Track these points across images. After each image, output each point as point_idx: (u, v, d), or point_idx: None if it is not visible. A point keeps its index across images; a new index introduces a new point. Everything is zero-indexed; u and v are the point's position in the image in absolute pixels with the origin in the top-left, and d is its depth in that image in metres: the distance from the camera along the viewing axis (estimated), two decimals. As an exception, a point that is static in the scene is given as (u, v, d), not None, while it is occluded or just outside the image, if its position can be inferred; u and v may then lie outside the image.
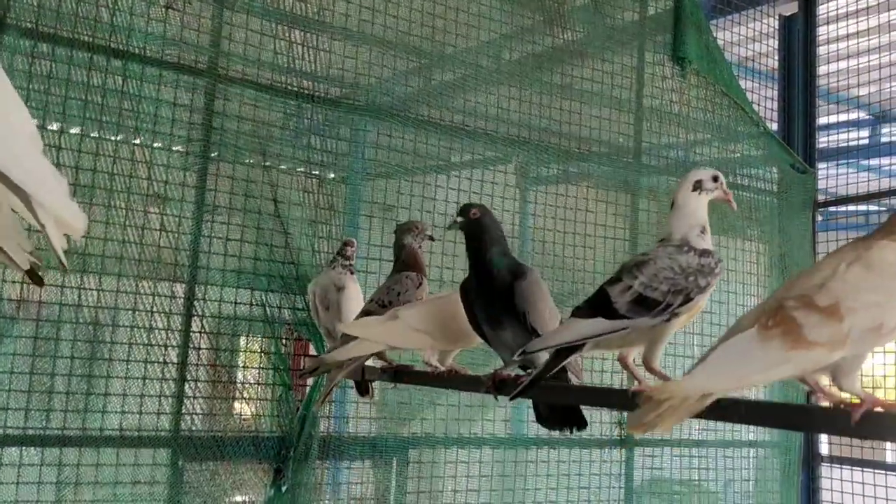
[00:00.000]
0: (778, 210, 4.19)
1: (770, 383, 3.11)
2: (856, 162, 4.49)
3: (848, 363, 1.24)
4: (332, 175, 3.24)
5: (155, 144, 2.83)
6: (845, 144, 4.51)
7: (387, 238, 3.15)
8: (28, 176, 1.13)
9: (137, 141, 2.78)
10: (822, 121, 4.43)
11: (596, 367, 3.50)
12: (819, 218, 4.31)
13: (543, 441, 3.53)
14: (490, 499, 3.46)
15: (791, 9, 4.40)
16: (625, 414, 3.39)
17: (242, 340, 3.23)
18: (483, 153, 3.57)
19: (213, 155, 2.92)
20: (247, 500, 3.07)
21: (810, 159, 4.29)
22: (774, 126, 4.36)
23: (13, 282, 2.57)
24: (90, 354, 2.75)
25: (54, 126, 2.66)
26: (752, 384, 1.28)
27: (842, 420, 1.19)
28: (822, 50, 4.32)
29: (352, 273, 2.79)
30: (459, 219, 2.01)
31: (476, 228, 1.99)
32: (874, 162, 4.55)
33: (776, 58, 4.44)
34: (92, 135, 2.71)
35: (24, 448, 2.64)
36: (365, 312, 2.46)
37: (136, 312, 2.76)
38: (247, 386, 3.11)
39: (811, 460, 4.15)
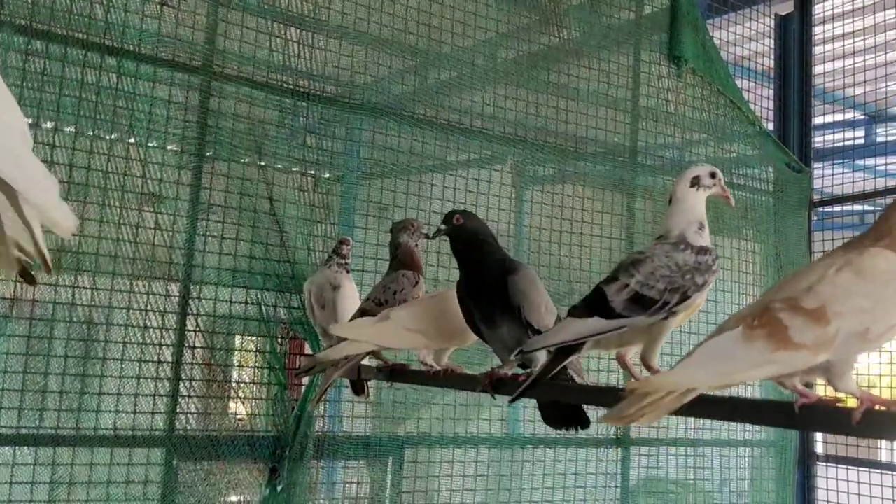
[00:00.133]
0: (774, 209, 4.19)
1: (765, 382, 3.11)
2: (851, 162, 4.50)
3: (839, 365, 1.25)
4: (328, 174, 3.22)
5: (150, 142, 2.81)
6: (840, 144, 4.52)
7: (382, 237, 3.14)
8: (18, 173, 1.11)
9: (132, 140, 2.77)
10: (817, 120, 4.44)
11: (593, 367, 3.50)
12: (814, 218, 4.31)
13: (539, 440, 3.52)
14: (486, 498, 3.45)
15: (787, 8, 4.41)
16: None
17: (238, 339, 3.21)
18: (479, 152, 3.57)
19: (208, 154, 2.91)
20: (242, 499, 3.06)
21: (806, 159, 4.30)
22: (770, 125, 4.36)
23: (6, 280, 2.55)
24: (84, 353, 2.73)
25: (48, 124, 2.65)
26: (735, 382, 1.29)
27: (842, 419, 1.19)
28: (817, 49, 4.33)
29: (347, 272, 2.78)
30: (443, 226, 2.02)
31: (462, 233, 2.00)
32: (869, 162, 4.56)
33: (772, 57, 4.44)
34: (86, 134, 2.69)
35: (17, 447, 2.63)
36: (361, 311, 2.45)
37: (131, 311, 2.75)
38: (242, 385, 3.10)
39: (807, 459, 4.16)
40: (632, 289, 1.51)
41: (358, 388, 2.68)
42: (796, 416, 1.27)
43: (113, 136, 2.74)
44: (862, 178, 4.24)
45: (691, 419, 3.66)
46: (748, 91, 4.28)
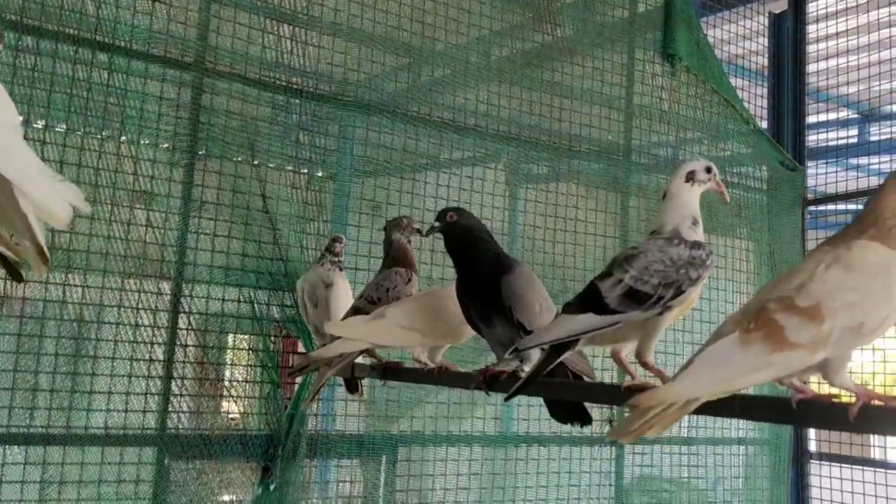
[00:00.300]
0: (767, 208, 4.20)
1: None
2: (844, 160, 4.50)
3: (835, 362, 1.24)
4: (321, 172, 3.21)
5: (141, 139, 2.79)
6: (834, 143, 4.53)
7: (375, 235, 3.13)
8: (10, 164, 1.11)
9: (123, 138, 2.75)
10: (811, 119, 4.44)
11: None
12: (807, 216, 4.32)
13: (533, 439, 3.52)
14: (480, 497, 3.44)
15: (781, 6, 4.41)
16: (615, 411, 3.39)
17: (230, 338, 3.20)
18: (472, 150, 3.56)
19: (200, 151, 2.89)
20: (234, 499, 3.04)
21: (800, 157, 4.31)
22: (764, 124, 4.37)
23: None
24: (75, 351, 2.71)
25: (39, 121, 2.63)
26: (737, 388, 1.28)
27: (839, 414, 1.19)
28: (811, 48, 4.34)
29: (340, 269, 2.77)
30: (437, 224, 2.01)
31: (455, 230, 1.99)
32: (862, 160, 4.57)
33: (766, 55, 4.44)
34: (77, 131, 2.67)
35: (7, 446, 2.61)
36: (354, 309, 2.44)
37: (122, 309, 2.73)
38: (234, 384, 3.09)
39: (800, 457, 4.17)
40: (626, 284, 1.50)
41: (352, 387, 2.67)
42: (793, 412, 1.27)
43: (104, 133, 2.72)
44: (855, 177, 4.25)
45: (685, 417, 3.65)
46: (742, 89, 4.28)
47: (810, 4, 4.34)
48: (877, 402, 1.18)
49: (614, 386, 1.67)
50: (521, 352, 1.69)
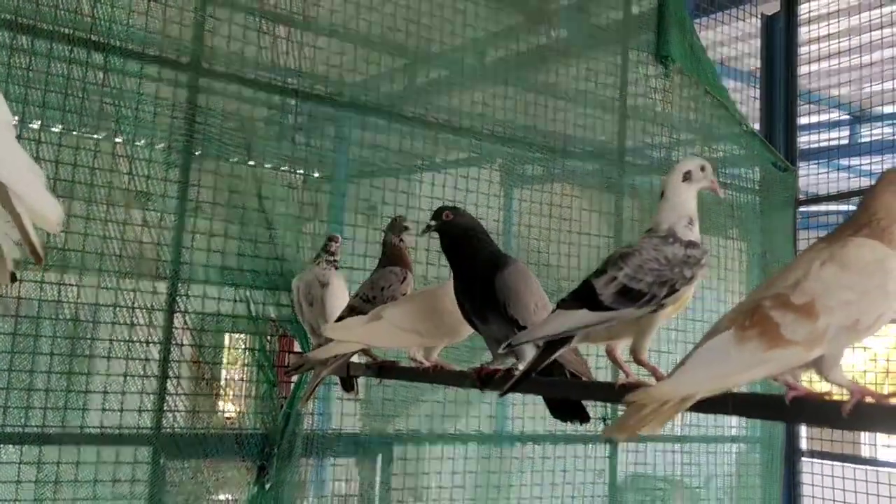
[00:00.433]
0: (759, 208, 4.22)
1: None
2: (836, 162, 4.53)
3: (829, 359, 1.25)
4: (317, 173, 3.22)
5: (137, 140, 2.80)
6: (825, 144, 4.56)
7: (371, 235, 3.14)
8: (3, 167, 1.11)
9: (119, 140, 2.75)
10: (802, 120, 4.47)
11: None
12: (798, 217, 4.34)
13: (528, 437, 3.53)
14: (475, 495, 3.45)
15: (773, 8, 4.44)
16: (609, 409, 3.40)
17: (226, 337, 3.20)
18: (467, 151, 3.57)
19: (196, 151, 2.89)
20: (230, 498, 3.04)
21: (791, 158, 4.33)
22: (756, 125, 4.39)
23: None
24: (70, 351, 2.71)
25: (34, 120, 2.62)
26: (732, 385, 1.29)
27: (833, 412, 1.19)
28: (803, 50, 4.36)
29: (336, 269, 2.78)
30: (433, 222, 2.01)
31: (452, 229, 1.99)
32: (854, 161, 4.60)
33: (758, 57, 4.47)
34: (72, 130, 2.67)
35: (2, 446, 2.60)
36: (350, 308, 2.45)
37: (118, 309, 2.73)
38: (230, 383, 3.09)
39: (792, 455, 4.19)
40: (620, 281, 1.51)
41: (347, 386, 2.68)
42: (786, 409, 1.27)
43: (100, 133, 2.72)
44: (847, 178, 4.28)
45: (679, 415, 3.67)
46: (735, 91, 4.30)
47: (802, 6, 4.36)
48: (870, 400, 1.19)
49: (609, 384, 1.68)
50: (515, 348, 1.69)
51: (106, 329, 2.73)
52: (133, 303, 2.74)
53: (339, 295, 2.71)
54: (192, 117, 2.86)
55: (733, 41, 4.34)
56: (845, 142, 4.82)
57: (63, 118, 2.65)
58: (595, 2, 3.84)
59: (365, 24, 3.22)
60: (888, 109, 4.60)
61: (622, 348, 1.63)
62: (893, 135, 4.49)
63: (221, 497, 3.00)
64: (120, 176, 2.74)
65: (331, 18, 3.15)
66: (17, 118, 2.63)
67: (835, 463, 4.08)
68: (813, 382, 2.03)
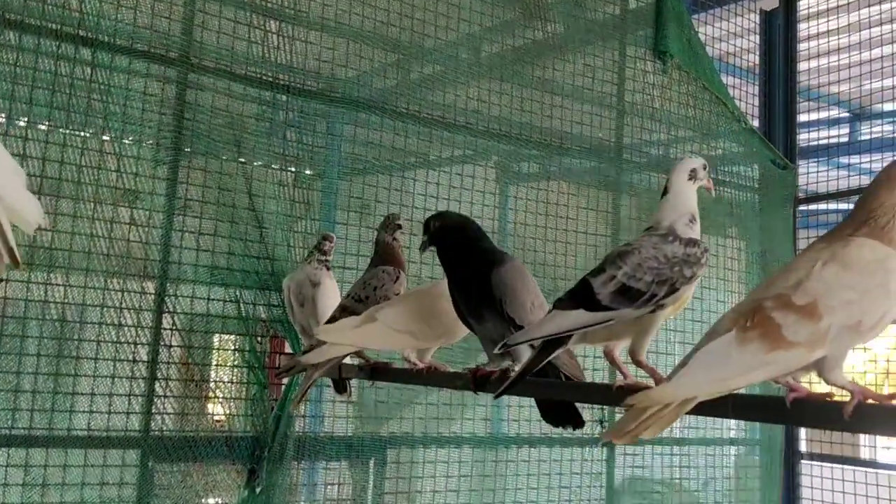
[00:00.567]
0: (759, 206, 4.19)
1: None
2: (836, 159, 4.50)
3: (831, 360, 1.23)
4: (309, 170, 3.17)
5: (125, 136, 2.75)
6: (825, 142, 4.53)
7: (364, 234, 3.10)
8: None
9: (107, 137, 2.70)
10: (802, 118, 4.44)
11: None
12: (798, 216, 4.31)
13: (523, 440, 3.49)
14: (470, 499, 3.42)
15: (772, 3, 4.40)
16: (606, 411, 3.36)
17: (216, 338, 3.15)
18: (462, 148, 3.53)
19: (185, 149, 2.85)
20: (220, 502, 3.00)
21: (791, 156, 4.30)
22: (755, 122, 4.36)
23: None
24: (57, 352, 2.67)
25: (21, 117, 2.58)
26: (732, 388, 1.27)
27: (834, 413, 1.18)
28: (802, 46, 4.33)
29: (328, 269, 2.74)
30: (424, 237, 1.99)
31: (444, 235, 1.96)
32: (853, 159, 4.57)
33: (757, 53, 4.44)
34: (60, 127, 2.63)
35: (-12, 449, 2.56)
36: (341, 308, 2.41)
37: (105, 309, 2.69)
38: (220, 385, 3.04)
39: (791, 457, 4.17)
40: (618, 280, 1.47)
41: (340, 388, 2.64)
42: (787, 411, 1.26)
43: (87, 130, 2.67)
44: (846, 176, 4.25)
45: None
46: (733, 87, 4.27)
47: (801, 2, 4.33)
48: (872, 401, 1.17)
49: (606, 385, 1.64)
50: (511, 348, 1.66)
51: (93, 330, 2.69)
52: (121, 303, 2.71)
53: (331, 295, 2.67)
54: (181, 113, 2.82)
55: (732, 37, 4.30)
56: (845, 139, 4.79)
57: (50, 115, 2.61)
58: (592, -3, 3.80)
59: (357, 19, 3.18)
60: (888, 107, 4.57)
61: (621, 349, 1.59)
62: (894, 132, 4.46)
63: (211, 501, 2.96)
64: (108, 173, 2.70)
65: (322, 12, 3.10)
66: (3, 115, 2.58)
67: (834, 465, 4.07)
68: (812, 384, 1.99)
